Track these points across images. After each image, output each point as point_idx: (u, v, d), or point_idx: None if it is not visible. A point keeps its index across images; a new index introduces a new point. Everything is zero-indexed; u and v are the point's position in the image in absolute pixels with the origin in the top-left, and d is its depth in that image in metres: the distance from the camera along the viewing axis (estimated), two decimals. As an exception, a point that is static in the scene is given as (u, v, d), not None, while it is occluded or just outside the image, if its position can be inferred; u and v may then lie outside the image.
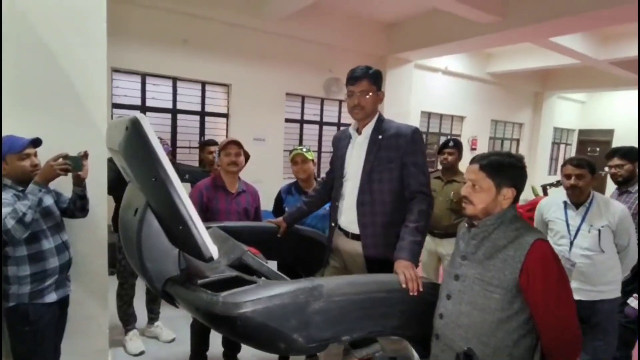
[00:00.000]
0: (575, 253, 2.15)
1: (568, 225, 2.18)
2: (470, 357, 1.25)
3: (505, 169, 1.31)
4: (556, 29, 5.48)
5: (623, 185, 2.64)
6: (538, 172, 11.00)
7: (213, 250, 1.24)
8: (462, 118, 9.50)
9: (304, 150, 2.65)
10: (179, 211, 1.17)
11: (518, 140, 11.19)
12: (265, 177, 5.44)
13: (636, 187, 2.59)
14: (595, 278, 2.11)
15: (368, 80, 1.75)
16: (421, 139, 1.79)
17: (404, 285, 1.44)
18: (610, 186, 9.32)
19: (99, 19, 2.19)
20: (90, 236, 2.22)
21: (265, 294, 1.17)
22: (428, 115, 8.82)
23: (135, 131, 1.09)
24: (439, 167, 3.29)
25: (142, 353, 2.78)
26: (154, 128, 4.53)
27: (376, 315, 1.41)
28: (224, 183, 2.40)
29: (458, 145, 3.08)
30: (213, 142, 3.51)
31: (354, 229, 1.81)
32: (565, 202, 2.24)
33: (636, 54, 6.87)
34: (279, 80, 6.10)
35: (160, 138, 3.58)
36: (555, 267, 1.22)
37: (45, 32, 2.01)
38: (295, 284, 1.26)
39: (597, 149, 12.19)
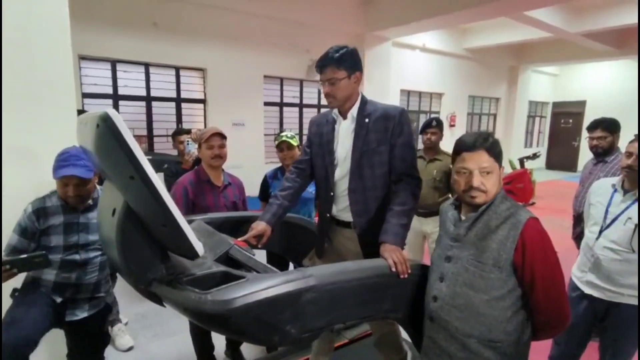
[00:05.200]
0: (600, 244, 1.86)
1: (607, 211, 1.87)
2: None
3: (499, 147, 1.30)
4: (531, 2, 5.51)
5: (601, 156, 2.69)
6: (514, 146, 11.26)
7: (198, 247, 1.20)
8: (440, 95, 9.56)
9: (289, 136, 2.59)
10: (160, 209, 1.11)
11: (495, 115, 11.38)
12: (246, 161, 5.37)
13: (612, 157, 2.65)
14: (617, 277, 1.80)
15: (334, 66, 1.63)
16: (408, 120, 1.72)
17: (393, 269, 1.44)
18: (584, 157, 9.66)
19: (60, 2, 2.04)
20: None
21: (256, 289, 1.13)
22: (407, 93, 8.84)
23: (107, 128, 1.01)
24: (420, 146, 3.29)
25: (131, 348, 2.72)
26: (128, 117, 4.42)
27: (368, 301, 1.41)
28: (208, 177, 2.27)
29: (440, 125, 3.09)
30: (184, 131, 3.40)
31: (347, 217, 1.77)
32: (614, 186, 1.90)
33: (608, 25, 7.01)
34: (256, 63, 5.95)
35: None
36: (551, 245, 1.25)
37: (10, 20, 1.86)
38: (285, 275, 1.23)
39: (570, 121, 12.55)
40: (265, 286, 1.15)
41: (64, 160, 1.69)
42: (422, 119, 9.33)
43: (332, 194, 1.78)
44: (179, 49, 5.24)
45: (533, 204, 7.49)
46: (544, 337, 1.36)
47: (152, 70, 5.24)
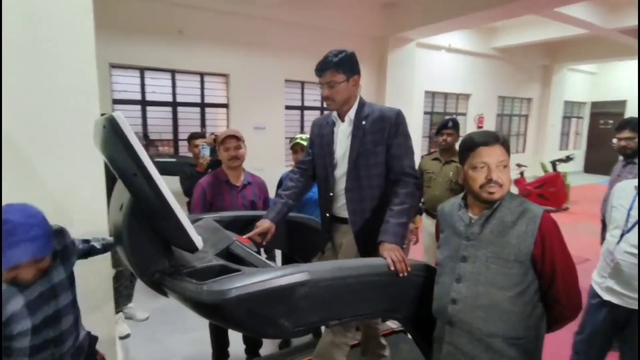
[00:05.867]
0: (621, 248, 1.78)
1: (629, 214, 1.80)
2: None
3: (509, 145, 1.34)
4: (561, -1, 5.30)
5: (629, 157, 2.57)
6: (548, 148, 10.81)
7: (197, 240, 1.26)
8: (467, 96, 9.33)
9: (304, 138, 2.66)
10: (160, 204, 1.17)
11: (527, 116, 10.97)
12: (267, 164, 5.45)
13: None
14: (637, 283, 1.73)
15: (333, 70, 1.68)
16: (404, 121, 1.74)
17: (391, 268, 1.43)
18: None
19: (85, 15, 2.17)
20: (94, 229, 2.25)
21: (249, 282, 1.18)
22: (432, 95, 8.69)
23: (112, 129, 1.09)
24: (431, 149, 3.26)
25: (127, 336, 2.87)
26: (156, 122, 4.63)
27: (364, 299, 1.41)
28: (227, 177, 2.34)
29: (457, 126, 3.03)
30: (199, 135, 3.51)
31: (344, 214, 1.81)
32: (637, 187, 1.82)
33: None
34: (277, 67, 6.05)
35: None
36: (563, 238, 1.28)
37: (29, 30, 2.00)
38: (279, 270, 1.27)
39: (610, 122, 11.88)
40: (258, 279, 1.19)
41: (9, 234, 1.17)
42: (449, 121, 9.14)
43: (331, 194, 1.83)
44: (203, 55, 5.41)
45: (566, 209, 7.15)
46: (557, 328, 1.38)
47: (177, 76, 5.45)
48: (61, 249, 1.42)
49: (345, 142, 1.78)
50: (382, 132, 1.70)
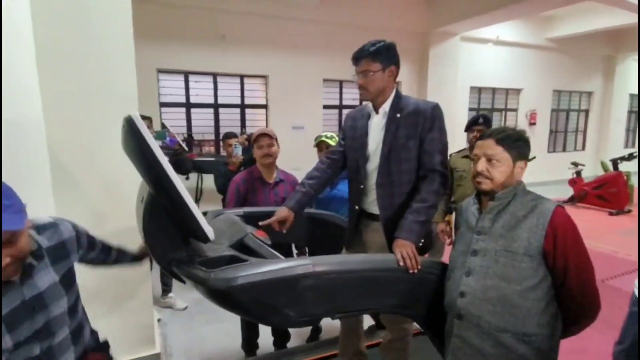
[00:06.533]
0: None
1: None
2: None
3: (519, 142, 1.33)
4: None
5: None
6: (611, 146, 9.95)
7: (208, 231, 1.34)
8: (518, 91, 8.82)
9: (329, 136, 2.71)
10: (174, 197, 1.26)
11: (587, 111, 10.16)
12: (305, 164, 5.52)
13: None
14: None
15: (369, 58, 1.66)
16: (440, 115, 1.68)
17: (400, 264, 1.42)
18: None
19: (125, 24, 2.34)
20: (130, 224, 2.43)
21: (253, 271, 1.24)
22: (478, 91, 8.32)
23: (130, 128, 1.19)
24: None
25: (185, 308, 3.36)
26: (199, 123, 4.97)
27: (371, 294, 1.42)
28: (261, 174, 2.41)
29: (488, 122, 2.90)
30: (232, 135, 3.64)
31: (375, 209, 1.79)
32: None
33: None
34: (315, 67, 6.12)
35: (171, 132, 3.92)
36: (579, 233, 1.26)
37: (77, 38, 2.19)
38: (284, 262, 1.31)
39: (686, 116, 10.69)
40: (262, 270, 1.25)
41: None
42: (496, 118, 8.71)
43: (362, 186, 1.81)
44: (243, 58, 5.61)
45: (629, 211, 6.53)
46: (575, 331, 1.34)
47: (219, 79, 5.69)
48: (53, 245, 1.16)
49: (378, 135, 1.75)
50: (416, 126, 1.66)
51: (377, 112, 1.77)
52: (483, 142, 1.36)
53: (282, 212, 1.80)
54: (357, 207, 1.85)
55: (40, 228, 1.16)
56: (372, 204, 1.80)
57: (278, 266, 1.28)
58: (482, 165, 1.34)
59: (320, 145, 2.73)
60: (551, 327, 1.26)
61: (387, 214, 1.73)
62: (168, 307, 3.41)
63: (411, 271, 1.42)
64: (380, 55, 1.66)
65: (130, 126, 1.19)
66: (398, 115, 1.69)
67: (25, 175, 1.72)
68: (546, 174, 9.04)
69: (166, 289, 3.45)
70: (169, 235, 1.42)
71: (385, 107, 1.74)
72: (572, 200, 7.07)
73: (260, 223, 1.75)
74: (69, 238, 1.22)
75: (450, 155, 3.25)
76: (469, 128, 2.94)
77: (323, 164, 1.97)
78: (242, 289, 1.21)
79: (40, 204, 1.88)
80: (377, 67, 1.67)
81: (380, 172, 1.73)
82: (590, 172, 8.57)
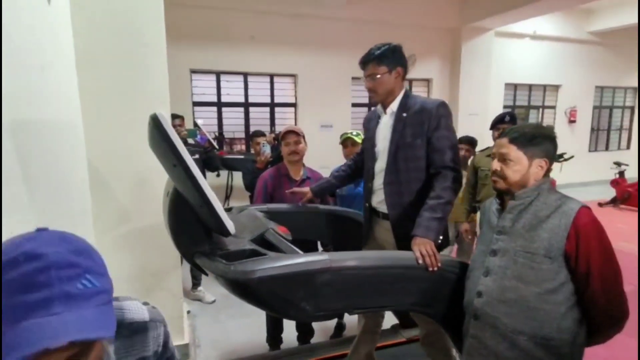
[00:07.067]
0: None
1: None
2: None
3: (536, 140, 1.29)
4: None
5: None
6: (661, 144, 9.32)
7: (229, 225, 1.38)
8: (556, 87, 8.43)
9: (355, 134, 2.72)
10: (197, 192, 1.31)
11: (632, 108, 9.56)
12: (333, 162, 5.54)
13: None
14: None
15: (375, 62, 1.71)
16: (447, 112, 1.69)
17: (420, 262, 1.42)
18: None
19: (158, 26, 2.45)
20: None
21: (271, 265, 1.28)
22: (514, 87, 8.02)
23: (155, 126, 1.25)
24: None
25: (214, 301, 3.50)
26: (230, 122, 5.17)
27: (389, 291, 1.42)
28: (287, 171, 2.45)
29: (514, 120, 2.81)
30: (260, 133, 3.72)
31: (384, 208, 1.82)
32: None
33: None
34: (344, 65, 6.09)
35: (202, 131, 4.01)
36: (606, 235, 1.21)
37: (113, 43, 2.31)
38: (302, 257, 1.34)
39: None
40: (280, 264, 1.29)
41: (33, 280, 0.52)
42: (533, 115, 8.37)
43: (371, 185, 1.87)
44: (273, 58, 5.69)
45: (678, 214, 6.11)
46: (601, 339, 1.28)
47: (249, 78, 5.80)
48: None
49: (386, 134, 1.79)
50: (422, 124, 1.68)
51: (385, 113, 1.81)
52: (499, 141, 1.36)
53: (305, 190, 2.17)
54: (367, 205, 1.91)
55: (123, 327, 0.74)
56: (381, 203, 1.83)
57: (296, 261, 1.31)
58: (495, 164, 1.34)
59: (345, 142, 2.77)
60: (573, 332, 1.22)
61: (395, 213, 1.76)
62: (197, 300, 3.53)
63: (430, 269, 1.42)
64: (386, 58, 1.71)
65: (155, 124, 1.23)
66: (405, 114, 1.72)
67: (64, 173, 1.84)
68: (587, 174, 8.61)
69: (196, 282, 3.58)
70: (193, 229, 1.47)
71: (393, 107, 1.78)
72: (614, 201, 6.71)
73: (281, 227, 1.79)
74: (152, 355, 0.81)
75: (476, 153, 3.19)
76: (494, 126, 2.86)
77: (351, 160, 2.16)
78: (259, 281, 1.25)
79: (78, 203, 1.99)
80: (384, 69, 1.71)
81: (387, 171, 1.77)
82: (636, 172, 8.07)
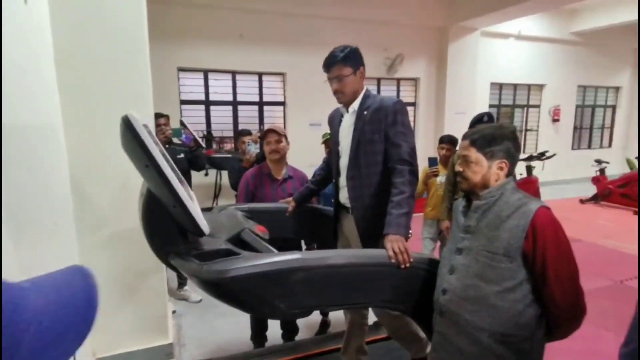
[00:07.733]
0: None
1: None
2: None
3: (495, 141, 1.31)
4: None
5: None
6: None
7: (203, 225, 1.40)
8: (541, 87, 8.58)
9: None
10: (169, 192, 1.32)
11: (614, 107, 9.78)
12: (321, 161, 5.58)
13: None
14: None
15: (340, 64, 1.77)
16: (402, 109, 1.77)
17: (392, 260, 1.45)
18: None
19: (140, 25, 2.43)
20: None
21: (244, 264, 1.29)
22: (499, 87, 8.14)
23: (126, 127, 1.24)
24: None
25: (200, 301, 3.45)
26: (218, 120, 5.12)
27: (362, 288, 1.45)
28: (270, 170, 2.46)
29: (492, 120, 2.86)
30: (246, 132, 3.73)
31: (348, 202, 1.89)
32: None
33: None
34: (332, 64, 6.13)
35: (186, 130, 3.94)
36: (564, 234, 1.23)
37: (93, 41, 2.29)
38: (275, 256, 1.36)
39: None
40: (252, 263, 1.30)
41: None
42: (518, 114, 8.50)
43: (337, 182, 1.95)
44: (261, 56, 5.69)
45: (656, 211, 6.28)
46: (560, 335, 1.32)
47: (238, 77, 5.79)
48: None
49: (348, 132, 1.86)
50: (380, 121, 1.76)
51: (347, 112, 1.88)
52: (461, 142, 1.40)
53: (288, 200, 2.24)
54: (332, 201, 2.00)
55: None
56: (347, 198, 1.90)
57: (268, 260, 1.32)
58: (459, 165, 1.37)
59: (327, 142, 2.79)
60: (531, 329, 1.25)
61: (357, 205, 1.84)
62: (183, 300, 3.53)
63: (402, 266, 1.46)
64: (350, 60, 1.78)
65: (126, 125, 1.22)
66: (365, 112, 1.80)
67: (45, 175, 1.82)
68: (570, 172, 8.78)
69: (182, 282, 3.58)
70: (167, 229, 1.47)
71: (355, 105, 1.85)
72: (595, 198, 6.86)
73: (259, 226, 1.80)
74: None
75: (455, 152, 3.24)
76: (472, 126, 2.90)
77: (322, 164, 2.22)
78: (232, 280, 1.26)
79: (60, 203, 1.98)
80: (349, 70, 1.79)
81: (350, 166, 1.85)
82: (617, 169, 8.26)
